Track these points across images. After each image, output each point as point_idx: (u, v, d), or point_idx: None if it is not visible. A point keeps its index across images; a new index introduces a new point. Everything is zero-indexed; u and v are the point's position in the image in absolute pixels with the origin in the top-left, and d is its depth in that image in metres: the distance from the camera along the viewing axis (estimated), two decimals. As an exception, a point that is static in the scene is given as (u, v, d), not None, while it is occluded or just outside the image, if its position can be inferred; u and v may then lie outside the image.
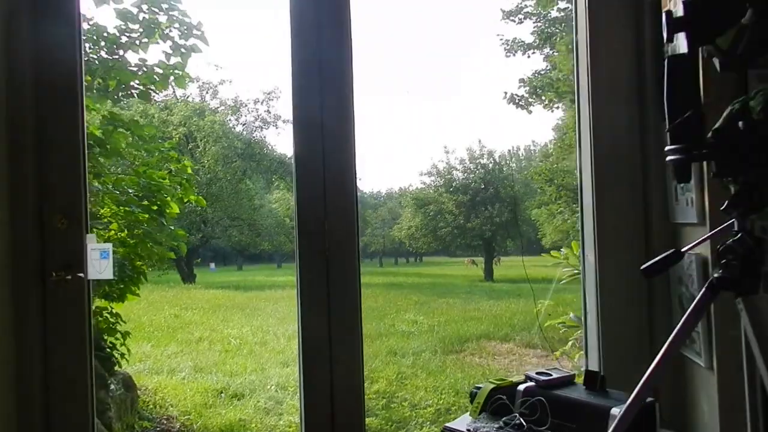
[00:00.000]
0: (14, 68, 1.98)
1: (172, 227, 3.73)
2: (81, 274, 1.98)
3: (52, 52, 2.02)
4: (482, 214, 21.38)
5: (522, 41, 12.77)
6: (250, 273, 25.29)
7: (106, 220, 3.56)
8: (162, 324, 7.97)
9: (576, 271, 3.43)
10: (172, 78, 3.52)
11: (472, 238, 21.72)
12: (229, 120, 22.69)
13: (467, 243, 22.13)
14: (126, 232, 3.60)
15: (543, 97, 9.39)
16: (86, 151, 2.08)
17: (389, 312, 9.22)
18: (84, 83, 2.08)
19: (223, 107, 22.34)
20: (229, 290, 14.29)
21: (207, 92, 22.54)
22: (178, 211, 3.77)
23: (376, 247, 36.15)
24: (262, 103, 23.71)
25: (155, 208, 3.56)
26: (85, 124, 2.07)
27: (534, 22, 13.62)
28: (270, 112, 23.94)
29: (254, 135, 22.94)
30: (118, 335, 3.66)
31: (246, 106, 23.09)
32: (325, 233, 2.11)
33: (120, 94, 3.51)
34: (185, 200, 3.82)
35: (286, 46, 2.04)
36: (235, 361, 5.95)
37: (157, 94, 3.54)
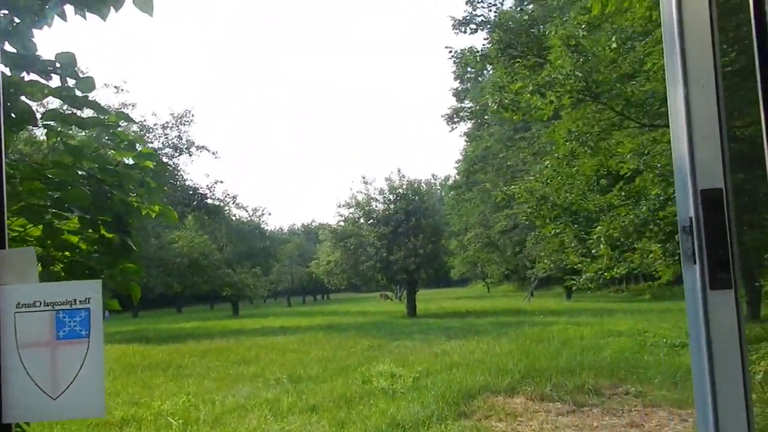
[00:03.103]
0: None
1: (131, 261, 2.09)
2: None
3: None
4: (405, 246, 20.28)
5: (477, 50, 11.80)
6: (148, 320, 22.54)
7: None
8: (64, 399, 5.93)
9: None
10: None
11: (395, 272, 20.45)
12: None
13: (390, 277, 20.79)
14: (40, 267, 1.97)
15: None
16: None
17: (350, 363, 7.64)
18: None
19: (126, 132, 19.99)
20: (139, 344, 11.91)
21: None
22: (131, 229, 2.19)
23: (285, 285, 34.12)
24: (171, 128, 21.54)
25: (108, 219, 1.95)
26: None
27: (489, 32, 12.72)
28: (182, 138, 21.78)
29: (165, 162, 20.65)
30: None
31: (153, 131, 20.83)
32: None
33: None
34: (144, 212, 2.24)
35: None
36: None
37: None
